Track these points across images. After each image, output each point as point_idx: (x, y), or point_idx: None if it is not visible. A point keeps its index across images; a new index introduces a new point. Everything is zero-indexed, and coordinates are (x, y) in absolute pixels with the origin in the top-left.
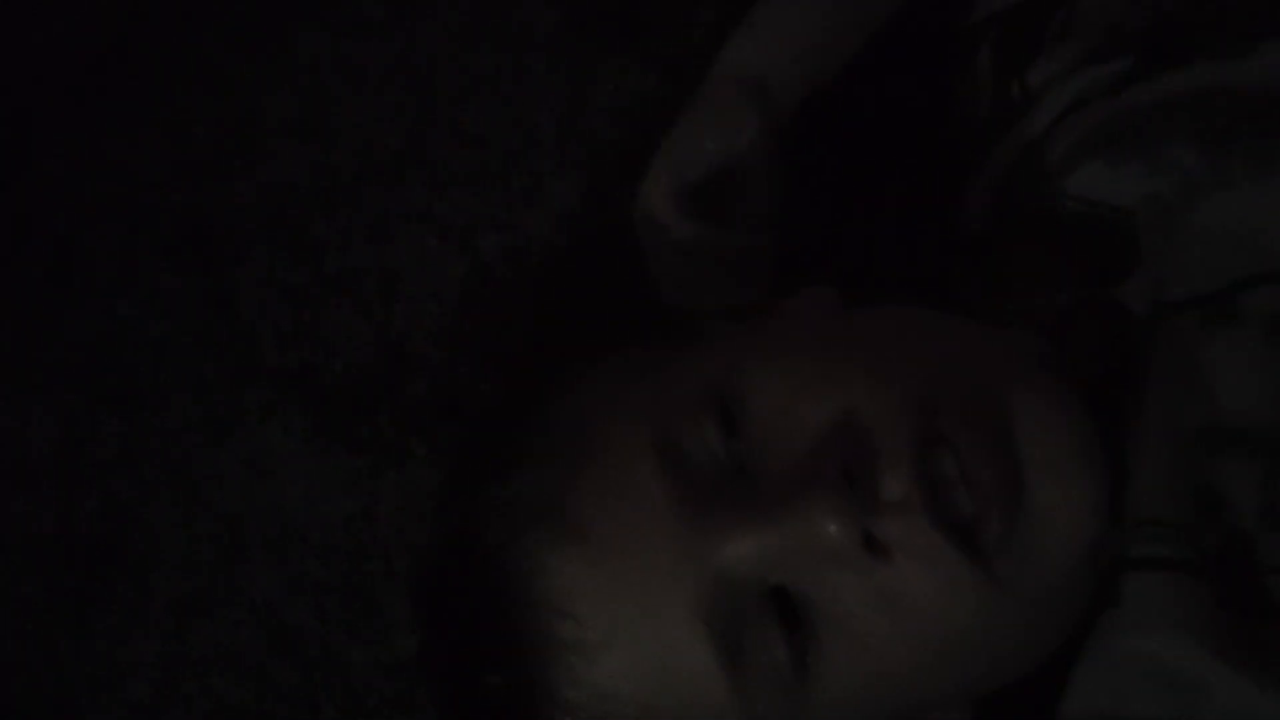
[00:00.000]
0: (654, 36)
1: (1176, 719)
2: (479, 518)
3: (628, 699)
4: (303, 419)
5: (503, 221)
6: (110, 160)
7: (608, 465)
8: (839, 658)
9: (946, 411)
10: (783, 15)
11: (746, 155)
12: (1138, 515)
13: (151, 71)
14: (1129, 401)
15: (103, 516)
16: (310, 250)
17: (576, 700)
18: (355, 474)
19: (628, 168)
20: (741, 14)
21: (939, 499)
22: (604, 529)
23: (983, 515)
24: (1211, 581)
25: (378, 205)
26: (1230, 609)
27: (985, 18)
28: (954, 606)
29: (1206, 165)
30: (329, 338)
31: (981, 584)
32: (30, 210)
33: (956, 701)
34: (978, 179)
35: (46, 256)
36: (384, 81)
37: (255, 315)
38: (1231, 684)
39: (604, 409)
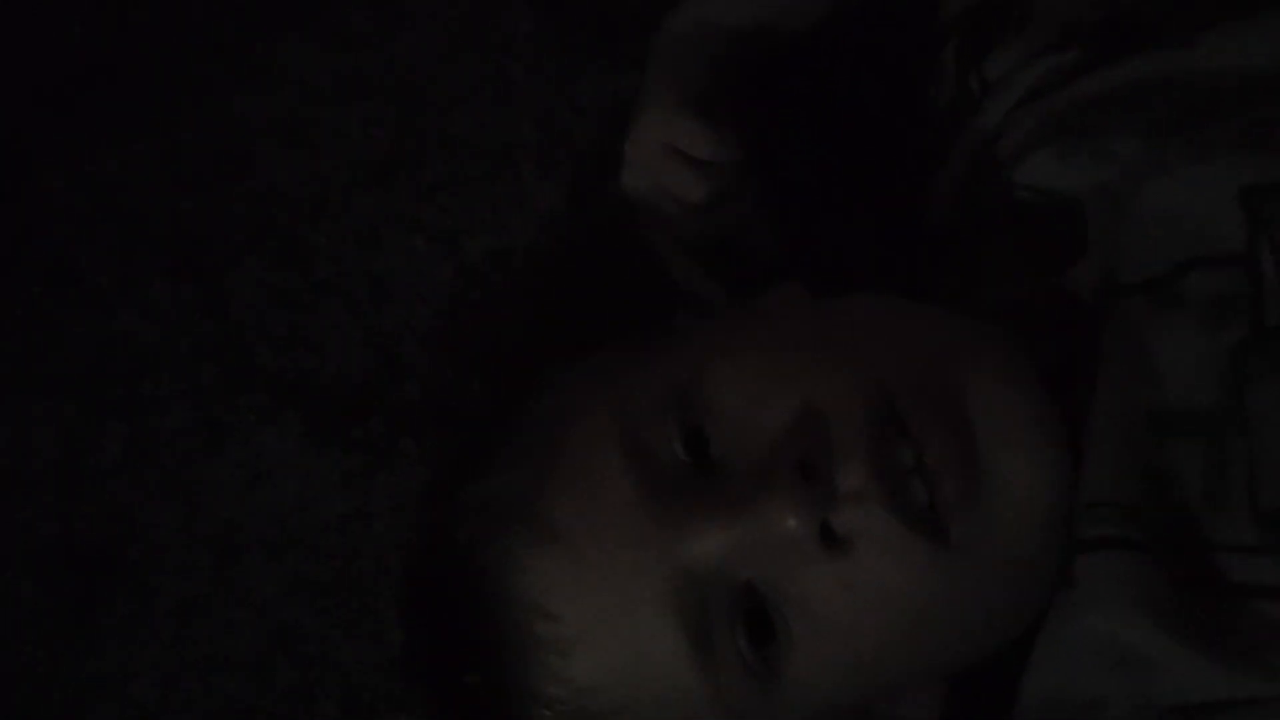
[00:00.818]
0: (631, 40)
1: (1128, 695)
2: (456, 519)
3: (605, 692)
4: (297, 423)
5: (488, 224)
6: (104, 172)
7: (576, 465)
8: (808, 647)
9: (901, 394)
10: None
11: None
12: (1089, 498)
13: (141, 83)
14: (1081, 387)
15: (103, 523)
16: (300, 256)
17: (556, 695)
18: (349, 475)
19: (609, 169)
20: None
21: (896, 487)
22: (574, 528)
23: (938, 487)
24: (1162, 561)
25: (366, 211)
26: (1180, 587)
27: (956, 13)
28: (917, 588)
29: (1145, 155)
30: (321, 342)
31: (942, 563)
32: (28, 222)
33: (929, 680)
34: (941, 172)
35: (43, 268)
36: (370, 90)
37: (249, 321)
38: (1183, 660)
39: (574, 410)
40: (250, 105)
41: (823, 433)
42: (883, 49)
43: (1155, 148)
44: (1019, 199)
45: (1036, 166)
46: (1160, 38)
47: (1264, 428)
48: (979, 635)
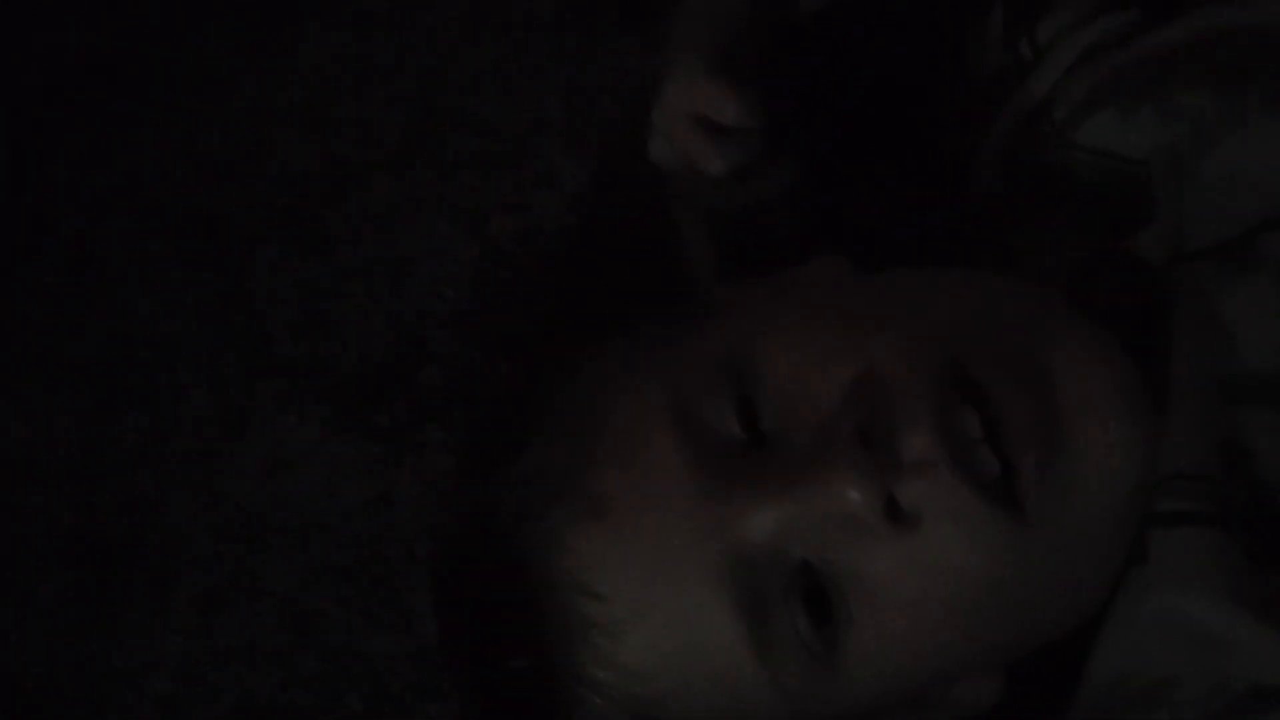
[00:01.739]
0: (657, 14)
1: (1203, 675)
2: (495, 498)
3: (656, 676)
4: (319, 409)
5: (513, 204)
6: (120, 159)
7: (624, 437)
8: (869, 627)
9: (976, 358)
10: None
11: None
12: (1166, 470)
13: (158, 70)
14: (1153, 356)
15: (124, 512)
16: (321, 241)
17: (605, 680)
18: (373, 461)
19: (636, 146)
20: None
21: (966, 455)
22: (623, 504)
23: (1017, 456)
24: (1238, 535)
25: (387, 194)
26: (1257, 562)
27: None
28: (989, 564)
29: (1220, 107)
30: (343, 327)
31: (1015, 534)
32: (44, 212)
33: (991, 665)
34: (987, 139)
35: (62, 257)
36: (390, 72)
37: (269, 307)
38: (1258, 638)
39: (618, 381)
40: (267, 90)
41: (884, 397)
42: (921, 13)
43: (1229, 100)
44: (1079, 164)
45: (1098, 128)
46: None
47: None
48: (1049, 616)
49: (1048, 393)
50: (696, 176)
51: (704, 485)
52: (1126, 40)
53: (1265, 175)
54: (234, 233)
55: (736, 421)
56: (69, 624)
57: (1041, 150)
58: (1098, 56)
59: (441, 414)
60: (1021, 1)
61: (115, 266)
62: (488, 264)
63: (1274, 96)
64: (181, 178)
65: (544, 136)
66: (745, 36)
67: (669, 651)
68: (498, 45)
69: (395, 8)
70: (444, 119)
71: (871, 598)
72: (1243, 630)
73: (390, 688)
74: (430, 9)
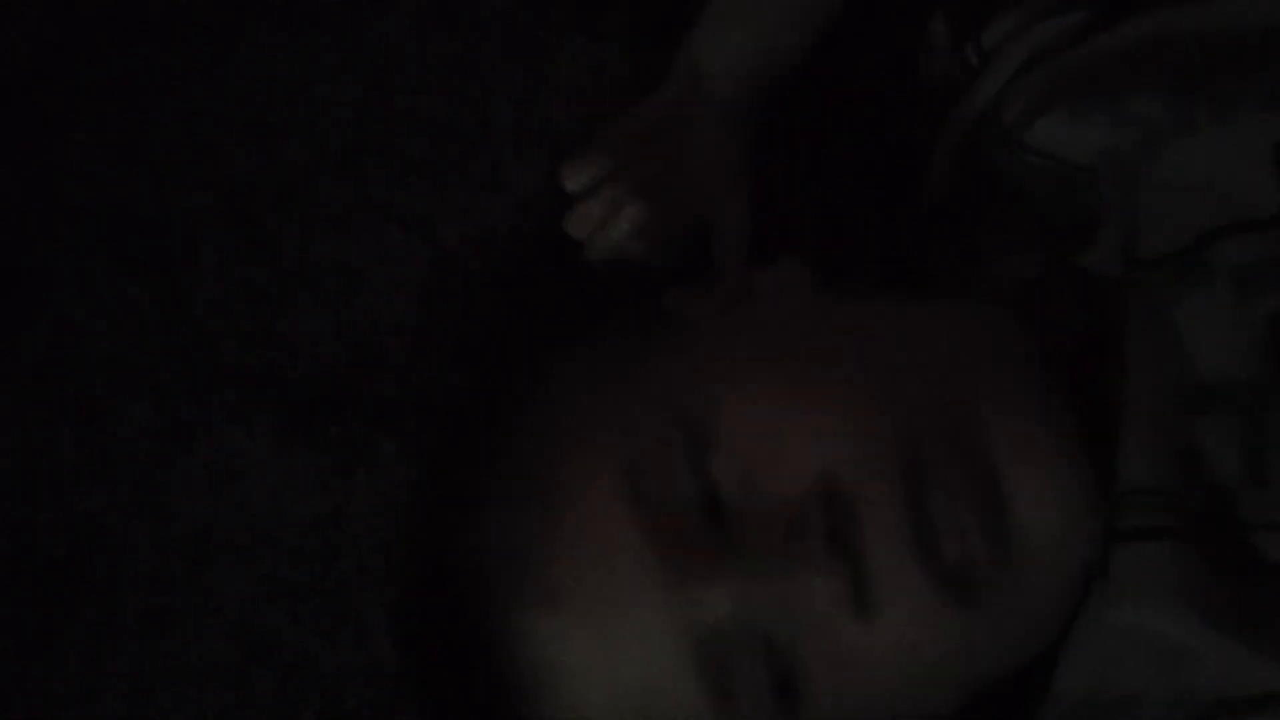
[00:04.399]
0: (610, 14)
1: (1167, 688)
2: (451, 567)
3: None
4: (268, 421)
5: (464, 209)
6: (55, 163)
7: (577, 516)
8: (826, 698)
9: (930, 451)
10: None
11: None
12: (1123, 486)
13: (95, 71)
14: (1109, 369)
15: (65, 531)
16: (267, 248)
17: None
18: (324, 474)
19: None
20: None
21: (930, 552)
22: (579, 590)
23: (969, 546)
24: (1198, 545)
25: (335, 198)
26: (1220, 573)
27: None
28: (944, 647)
29: (1169, 112)
30: (290, 336)
31: (971, 623)
32: None
33: (948, 708)
34: (937, 146)
35: None
36: (337, 72)
37: (213, 317)
38: (1225, 651)
39: (569, 434)
40: (209, 92)
41: (852, 496)
42: (865, 22)
43: (1178, 105)
44: (1028, 167)
45: (1046, 130)
46: None
47: None
48: (1004, 664)
49: (993, 478)
50: None
51: (665, 570)
52: (1075, 42)
53: (1215, 182)
54: (175, 240)
55: (692, 485)
56: (9, 647)
57: (991, 155)
58: (1047, 58)
59: (394, 425)
60: (965, 9)
61: (53, 277)
62: (438, 270)
63: (1223, 102)
64: (120, 183)
65: (494, 139)
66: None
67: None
68: (448, 45)
69: (342, 7)
70: (392, 121)
71: (830, 672)
72: (1206, 643)
73: (345, 703)
74: (381, 5)
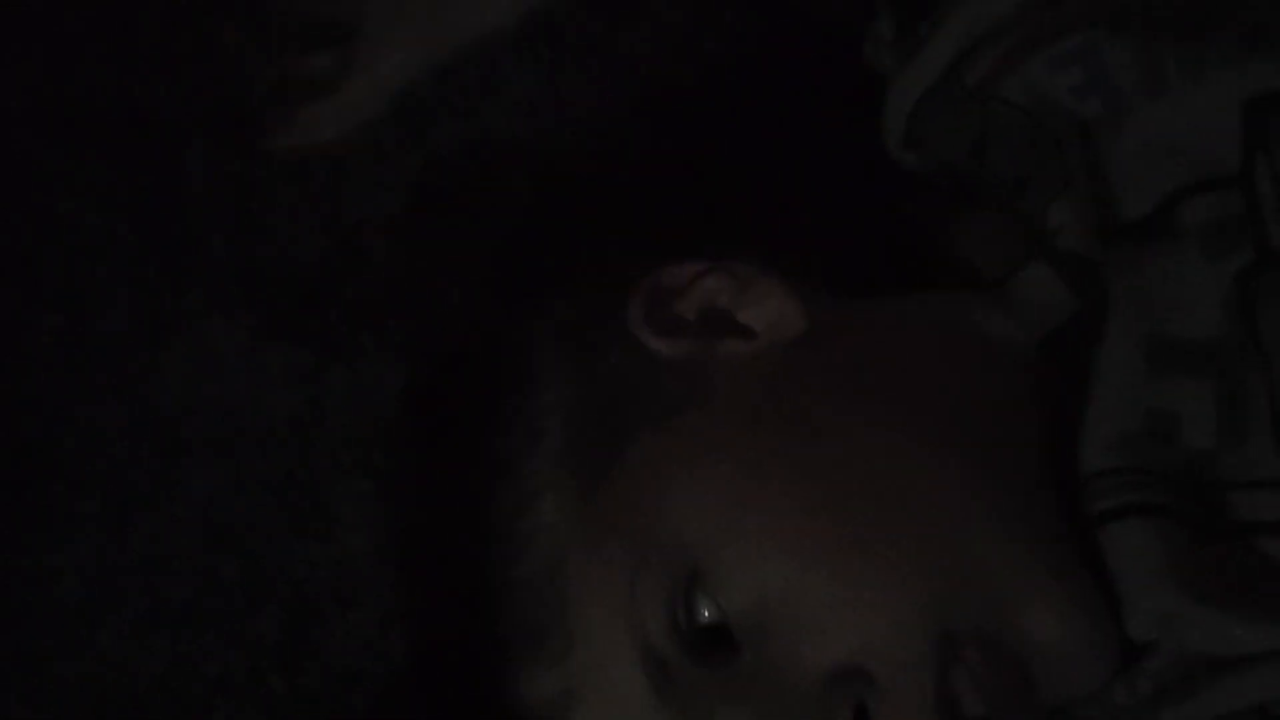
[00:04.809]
0: None
1: (1170, 645)
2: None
3: None
4: (248, 314)
5: (459, 110)
6: (45, 55)
7: (601, 688)
8: None
9: (961, 631)
10: None
11: None
12: (1097, 465)
13: None
14: (1093, 343)
15: (37, 413)
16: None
17: None
18: (302, 369)
19: (588, 55)
20: None
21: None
22: None
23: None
24: (1175, 513)
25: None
26: (1198, 538)
27: None
28: None
29: (1140, 71)
30: (275, 231)
31: None
32: None
33: None
34: (887, 114)
35: None
36: None
37: (199, 209)
38: (1205, 617)
39: (576, 590)
40: None
41: (881, 681)
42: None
43: (1149, 63)
44: (999, 122)
45: (1025, 80)
46: None
47: None
48: None
49: (1025, 670)
50: None
51: None
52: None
53: (1185, 141)
54: (164, 131)
55: (699, 647)
56: None
57: (952, 119)
58: (1016, 23)
59: (375, 323)
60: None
61: (39, 164)
62: (428, 171)
63: (1193, 57)
64: (109, 74)
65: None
66: None
67: None
68: None
69: None
70: None
71: None
72: (1190, 611)
73: (309, 594)
74: None
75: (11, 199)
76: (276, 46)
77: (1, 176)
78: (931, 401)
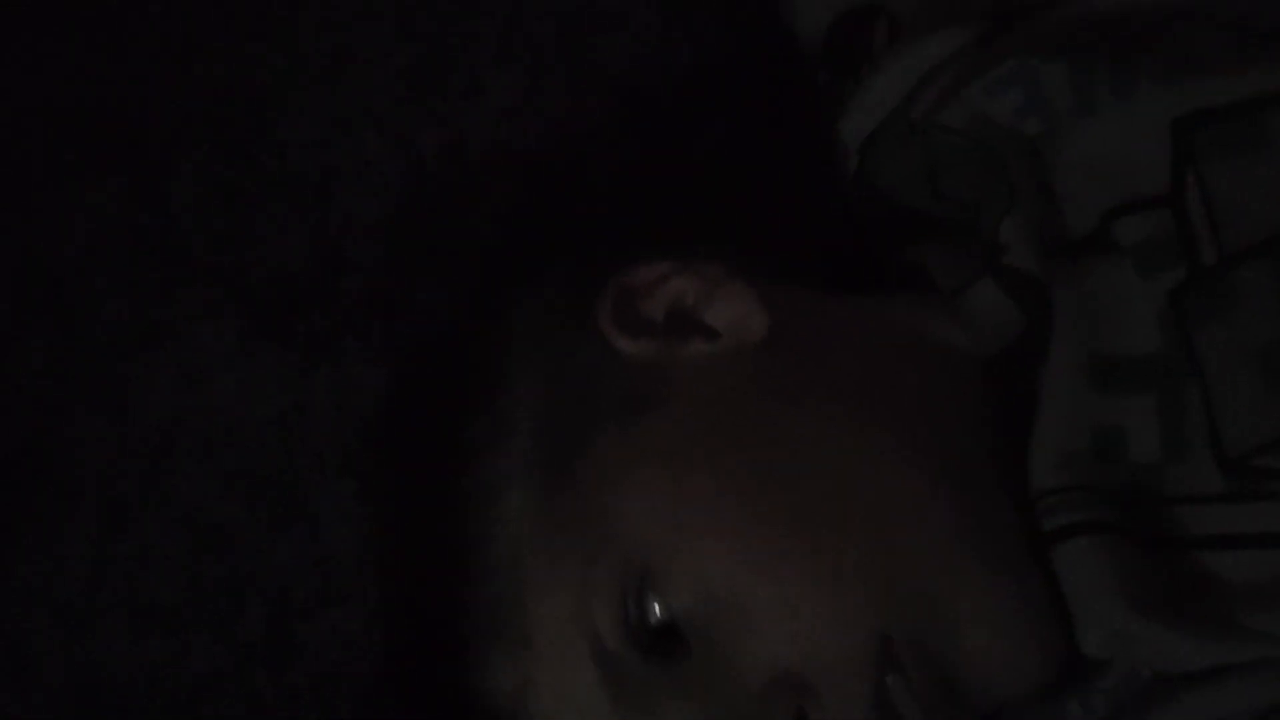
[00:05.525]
0: None
1: (1123, 659)
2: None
3: None
4: (236, 319)
5: (442, 118)
6: (31, 59)
7: (554, 681)
8: None
9: (900, 645)
10: None
11: None
12: (1037, 488)
13: None
14: (1037, 359)
15: (26, 421)
16: (243, 148)
17: None
18: (288, 370)
19: (571, 63)
20: None
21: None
22: None
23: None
24: (1122, 529)
25: (314, 103)
26: (1145, 553)
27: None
28: None
29: (1074, 92)
30: (262, 236)
31: None
32: None
33: None
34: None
35: None
36: None
37: (188, 215)
38: (1158, 635)
39: (531, 584)
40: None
41: (820, 686)
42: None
43: (1081, 84)
44: (944, 151)
45: (965, 106)
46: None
47: (1218, 371)
48: None
49: (962, 677)
50: None
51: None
52: (978, 46)
53: (1118, 161)
54: (154, 139)
55: (654, 643)
56: None
57: (901, 153)
58: (954, 59)
59: (359, 325)
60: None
61: (27, 169)
62: (413, 177)
63: (1123, 79)
64: (100, 81)
65: (474, 49)
66: None
67: None
68: None
69: None
70: (373, 29)
71: None
72: (1141, 629)
73: (294, 595)
74: None
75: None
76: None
77: None
78: (886, 411)
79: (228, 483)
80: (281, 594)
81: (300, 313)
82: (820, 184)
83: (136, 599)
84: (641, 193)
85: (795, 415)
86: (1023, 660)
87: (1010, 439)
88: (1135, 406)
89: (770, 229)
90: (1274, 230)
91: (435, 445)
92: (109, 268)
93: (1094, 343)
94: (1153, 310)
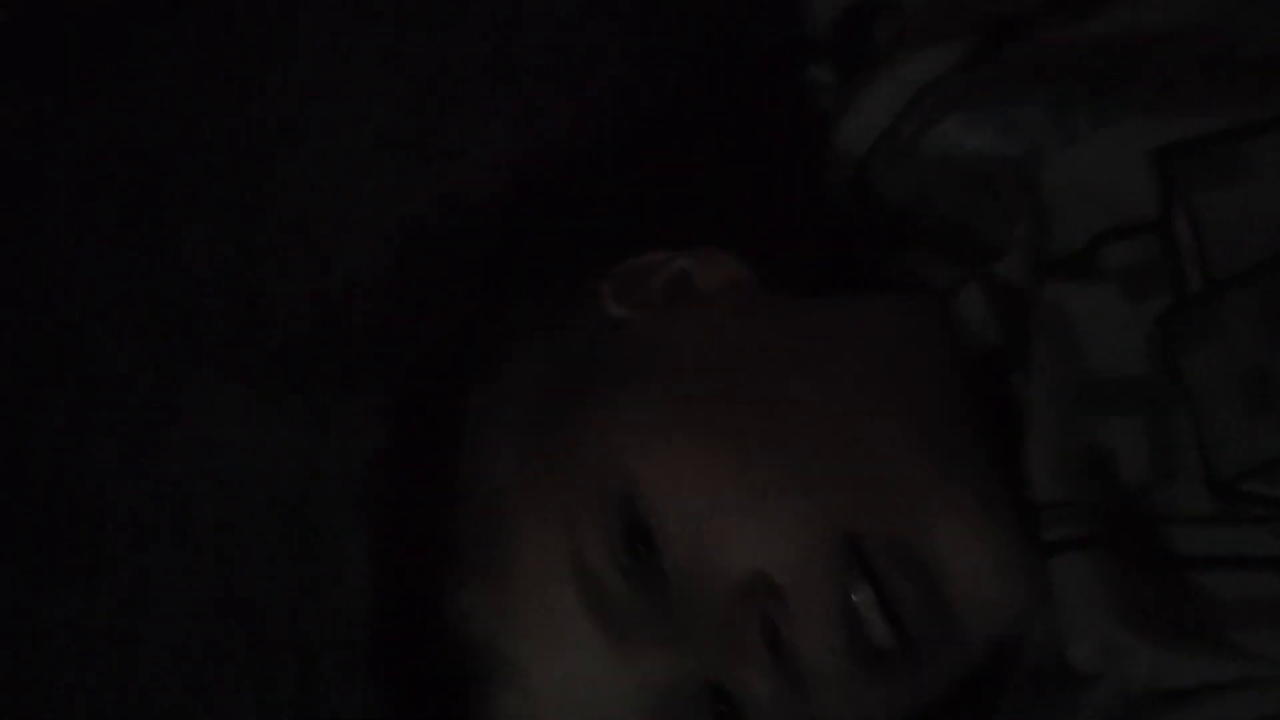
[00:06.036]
0: None
1: (1114, 674)
2: (427, 634)
3: None
4: (247, 387)
5: (437, 172)
6: (57, 119)
7: (529, 598)
8: None
9: (869, 540)
10: None
11: None
12: (1048, 497)
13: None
14: (1021, 373)
15: (49, 492)
16: (244, 210)
17: None
18: (299, 432)
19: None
20: None
21: (861, 645)
22: (539, 668)
23: (905, 636)
24: (1115, 547)
25: (309, 162)
26: (1137, 571)
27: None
28: (883, 710)
29: (1051, 123)
30: (269, 301)
31: (908, 688)
32: None
33: None
34: (828, 174)
35: None
36: (316, 34)
37: (197, 281)
38: (1148, 652)
39: (511, 514)
40: (192, 54)
41: (787, 588)
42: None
43: (1060, 115)
44: (930, 177)
45: (942, 136)
46: (1049, 20)
47: (1205, 395)
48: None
49: (935, 581)
50: None
51: (612, 643)
52: (966, 67)
53: (1105, 185)
54: (167, 206)
55: (630, 569)
56: None
57: (892, 175)
58: (939, 83)
59: (367, 383)
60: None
61: (41, 238)
62: (409, 232)
63: (1102, 110)
64: (113, 139)
65: (468, 102)
66: None
67: None
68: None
69: None
70: (368, 84)
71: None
72: (1130, 644)
73: (321, 667)
74: None
75: (18, 277)
76: None
77: (5, 254)
78: (860, 358)
79: (247, 554)
80: (309, 666)
81: (308, 375)
82: (807, 187)
83: (164, 665)
84: (636, 202)
85: (772, 357)
86: (1006, 570)
87: (992, 441)
88: (1122, 428)
89: (761, 234)
90: (1258, 258)
91: (434, 406)
92: (123, 337)
93: (1079, 361)
94: (1139, 335)
